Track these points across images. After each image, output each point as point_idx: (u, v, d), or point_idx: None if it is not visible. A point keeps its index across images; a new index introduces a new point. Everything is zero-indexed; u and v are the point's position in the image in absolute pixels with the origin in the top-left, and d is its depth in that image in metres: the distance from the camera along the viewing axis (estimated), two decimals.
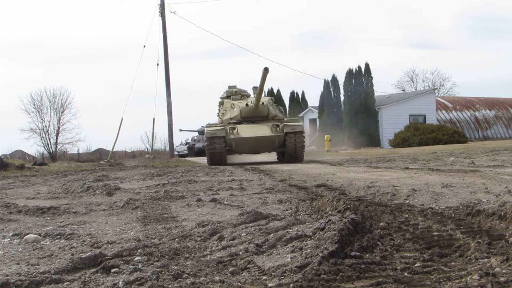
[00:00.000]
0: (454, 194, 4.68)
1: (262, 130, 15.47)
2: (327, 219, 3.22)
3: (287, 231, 3.20)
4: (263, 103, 16.23)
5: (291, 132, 15.22)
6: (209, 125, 16.11)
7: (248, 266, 2.54)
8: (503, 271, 2.20)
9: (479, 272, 2.16)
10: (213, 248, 2.98)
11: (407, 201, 4.43)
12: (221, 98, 18.34)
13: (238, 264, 2.59)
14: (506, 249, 2.60)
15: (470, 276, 2.15)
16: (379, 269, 2.37)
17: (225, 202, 4.99)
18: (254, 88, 17.69)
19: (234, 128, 15.40)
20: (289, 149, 15.35)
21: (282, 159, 17.35)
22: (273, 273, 2.37)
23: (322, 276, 2.25)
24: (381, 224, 3.25)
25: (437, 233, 3.01)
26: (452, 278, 2.17)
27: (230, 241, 3.09)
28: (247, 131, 15.36)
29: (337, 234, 2.76)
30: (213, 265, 2.59)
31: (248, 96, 18.13)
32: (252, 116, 16.16)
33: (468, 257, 2.53)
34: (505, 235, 2.86)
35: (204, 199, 5.28)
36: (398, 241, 2.88)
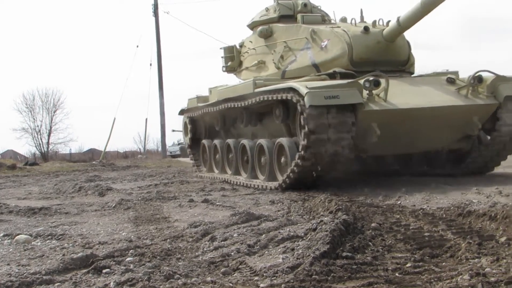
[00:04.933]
0: (445, 195, 4.70)
1: (439, 92, 6.29)
2: (319, 220, 3.23)
3: (279, 232, 3.20)
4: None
5: None
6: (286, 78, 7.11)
7: (240, 266, 2.54)
8: (494, 271, 2.22)
9: (470, 272, 2.18)
10: (205, 249, 2.98)
11: (399, 202, 4.44)
12: (259, 22, 8.09)
13: (230, 264, 2.59)
14: (497, 249, 2.62)
15: (461, 276, 2.16)
16: (370, 270, 2.38)
17: (217, 203, 4.98)
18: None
19: (377, 84, 5.85)
20: (499, 141, 6.39)
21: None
22: (264, 274, 2.37)
23: (313, 276, 2.25)
24: (373, 224, 3.26)
25: (428, 233, 3.02)
26: (443, 279, 2.18)
27: (222, 242, 3.09)
28: (409, 93, 6.18)
29: (328, 235, 2.77)
30: (204, 266, 2.59)
31: (329, 20, 7.79)
32: (379, 61, 6.82)
33: (459, 258, 2.54)
34: (495, 235, 2.88)
35: (196, 199, 5.27)
36: (390, 241, 2.89)
